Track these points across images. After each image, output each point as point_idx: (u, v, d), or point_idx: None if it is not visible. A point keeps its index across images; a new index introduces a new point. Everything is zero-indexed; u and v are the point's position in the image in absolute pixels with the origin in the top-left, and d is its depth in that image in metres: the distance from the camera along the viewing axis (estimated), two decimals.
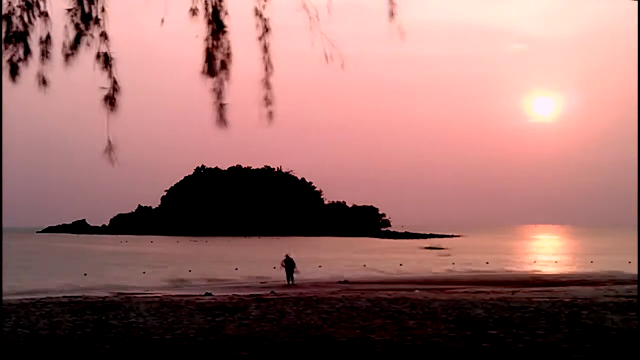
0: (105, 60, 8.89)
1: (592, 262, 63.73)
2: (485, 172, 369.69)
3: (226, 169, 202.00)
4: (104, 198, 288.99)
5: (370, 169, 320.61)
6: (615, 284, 33.93)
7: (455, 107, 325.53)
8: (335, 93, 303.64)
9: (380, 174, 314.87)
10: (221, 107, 8.95)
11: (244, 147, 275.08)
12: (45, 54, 8.83)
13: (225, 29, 9.04)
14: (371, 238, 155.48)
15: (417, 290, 30.20)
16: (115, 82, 8.92)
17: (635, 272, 33.21)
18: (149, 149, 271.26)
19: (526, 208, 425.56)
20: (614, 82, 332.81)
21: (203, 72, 8.98)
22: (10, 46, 8.67)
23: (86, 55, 8.85)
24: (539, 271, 54.46)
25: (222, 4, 8.99)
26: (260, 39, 9.14)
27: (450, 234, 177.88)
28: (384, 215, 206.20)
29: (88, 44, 8.83)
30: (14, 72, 8.70)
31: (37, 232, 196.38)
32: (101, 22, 8.83)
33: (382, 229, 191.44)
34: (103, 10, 8.83)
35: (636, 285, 29.23)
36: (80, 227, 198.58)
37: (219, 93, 8.97)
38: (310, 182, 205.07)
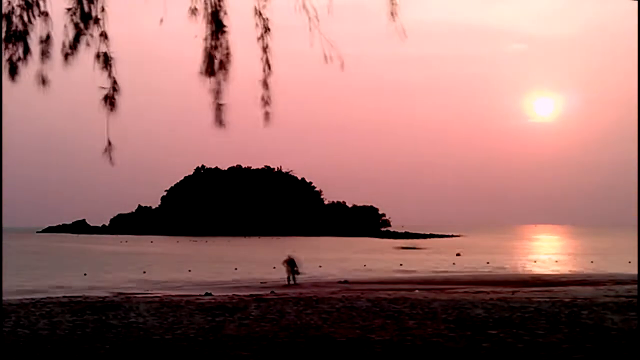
0: (105, 60, 8.90)
1: (592, 262, 63.66)
2: (485, 172, 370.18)
3: (226, 169, 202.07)
4: (104, 198, 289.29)
5: (370, 169, 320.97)
6: (615, 284, 33.89)
7: (455, 107, 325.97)
8: (335, 93, 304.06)
9: (380, 174, 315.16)
10: (219, 108, 8.94)
11: (244, 147, 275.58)
12: (45, 54, 8.83)
13: (225, 29, 9.03)
14: (371, 238, 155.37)
15: (417, 290, 30.20)
16: (114, 81, 8.93)
17: (635, 272, 33.17)
18: (149, 149, 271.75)
19: (526, 208, 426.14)
20: (614, 82, 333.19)
21: (202, 72, 8.98)
22: (10, 45, 8.67)
23: (86, 55, 8.87)
24: (539, 271, 54.41)
25: (222, 3, 8.99)
26: (259, 39, 9.14)
27: (450, 234, 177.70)
28: (384, 215, 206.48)
29: (88, 44, 8.84)
30: (14, 72, 8.70)
31: (37, 232, 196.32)
32: (101, 22, 8.84)
33: (382, 229, 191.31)
34: (103, 9, 8.84)
35: (636, 285, 29.22)
36: (80, 227, 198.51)
37: (217, 93, 8.96)
38: (310, 182, 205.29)
